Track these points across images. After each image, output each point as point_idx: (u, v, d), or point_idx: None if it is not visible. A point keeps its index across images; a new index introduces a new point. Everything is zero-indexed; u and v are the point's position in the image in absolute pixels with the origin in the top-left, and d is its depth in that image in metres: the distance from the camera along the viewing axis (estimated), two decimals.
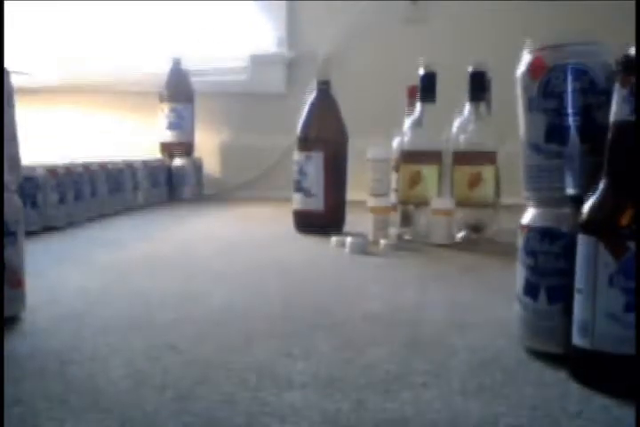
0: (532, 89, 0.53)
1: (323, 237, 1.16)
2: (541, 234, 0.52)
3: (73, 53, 2.08)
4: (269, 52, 2.02)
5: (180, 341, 0.57)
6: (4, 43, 0.65)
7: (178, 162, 1.91)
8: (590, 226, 0.47)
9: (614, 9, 1.61)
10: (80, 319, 0.64)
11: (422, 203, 1.16)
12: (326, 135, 1.24)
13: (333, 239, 1.11)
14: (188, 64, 1.95)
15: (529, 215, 0.54)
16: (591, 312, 0.46)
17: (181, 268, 0.93)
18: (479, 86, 1.19)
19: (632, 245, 0.44)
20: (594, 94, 0.51)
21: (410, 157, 1.19)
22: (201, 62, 2.03)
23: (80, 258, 0.98)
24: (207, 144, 2.04)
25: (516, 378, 0.49)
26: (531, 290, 0.53)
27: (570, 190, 0.52)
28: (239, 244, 1.16)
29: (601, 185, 0.47)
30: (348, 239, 1.06)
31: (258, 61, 2.02)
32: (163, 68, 1.92)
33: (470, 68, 1.18)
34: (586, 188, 0.49)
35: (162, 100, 1.91)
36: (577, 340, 0.48)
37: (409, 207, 1.19)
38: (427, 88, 1.18)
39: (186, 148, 1.95)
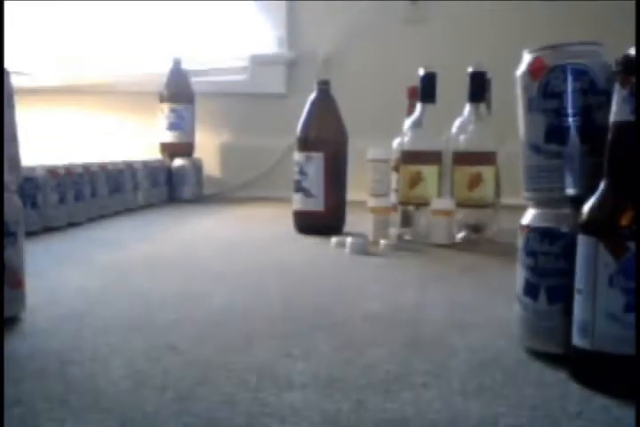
0: (531, 89, 0.53)
1: (323, 237, 1.16)
2: (541, 234, 0.52)
3: (73, 54, 2.08)
4: (269, 52, 2.02)
5: (180, 341, 0.57)
6: (4, 43, 0.65)
7: (178, 162, 1.91)
8: (590, 226, 0.47)
9: (614, 9, 1.61)
10: (80, 320, 0.64)
11: (422, 203, 1.16)
12: (326, 135, 1.24)
13: (333, 240, 1.11)
14: (189, 64, 1.95)
15: (529, 216, 0.54)
16: (591, 312, 0.46)
17: (181, 268, 0.93)
18: (479, 87, 1.18)
19: (632, 245, 0.44)
20: (594, 95, 0.51)
21: (410, 157, 1.19)
22: (201, 63, 2.04)
23: (80, 258, 0.98)
24: (207, 144, 2.04)
25: (516, 378, 0.49)
26: (531, 290, 0.53)
27: (570, 191, 0.52)
28: (239, 244, 1.16)
29: (601, 185, 0.47)
30: (349, 240, 1.06)
31: (258, 62, 2.02)
32: (163, 69, 1.92)
33: (470, 69, 1.18)
34: (586, 188, 0.49)
35: (162, 100, 1.91)
36: (577, 340, 0.48)
37: (409, 208, 1.19)
38: (427, 88, 1.18)
39: (186, 148, 1.95)
